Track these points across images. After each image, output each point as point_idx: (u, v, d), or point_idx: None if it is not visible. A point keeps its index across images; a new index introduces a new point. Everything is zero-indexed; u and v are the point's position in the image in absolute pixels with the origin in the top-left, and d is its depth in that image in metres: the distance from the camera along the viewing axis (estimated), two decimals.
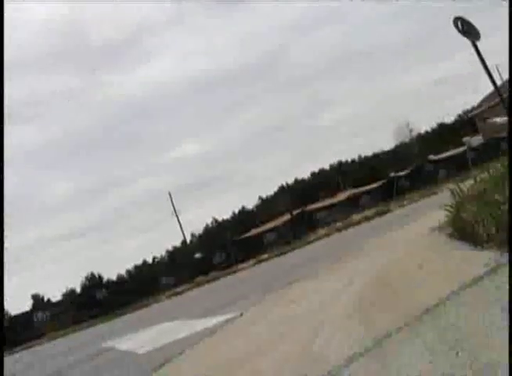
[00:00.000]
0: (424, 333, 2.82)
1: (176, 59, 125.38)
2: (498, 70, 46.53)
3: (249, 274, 20.64)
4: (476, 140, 46.87)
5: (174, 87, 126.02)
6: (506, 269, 3.16)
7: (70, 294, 65.20)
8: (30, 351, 23.95)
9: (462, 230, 4.56)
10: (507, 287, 2.80)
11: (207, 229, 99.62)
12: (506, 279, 2.98)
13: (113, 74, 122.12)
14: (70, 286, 74.52)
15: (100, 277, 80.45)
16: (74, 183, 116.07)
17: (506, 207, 3.84)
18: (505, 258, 3.38)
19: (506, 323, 2.41)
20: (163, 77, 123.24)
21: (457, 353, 2.39)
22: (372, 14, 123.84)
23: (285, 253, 27.11)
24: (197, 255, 48.62)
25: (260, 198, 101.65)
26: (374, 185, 47.62)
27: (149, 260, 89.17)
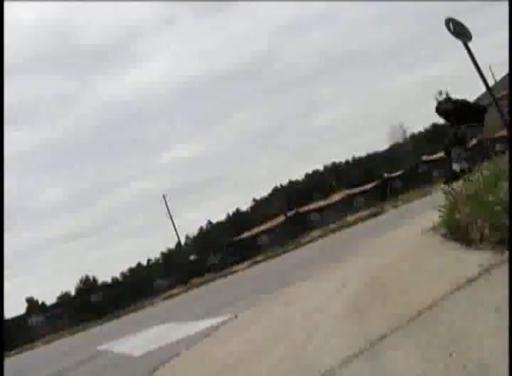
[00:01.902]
0: (418, 334, 2.83)
1: (168, 61, 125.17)
2: (490, 70, 46.68)
3: (243, 276, 20.65)
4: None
5: (166, 90, 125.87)
6: (500, 270, 3.18)
7: (64, 297, 65.11)
8: (24, 355, 23.89)
9: (455, 231, 4.57)
10: (502, 287, 2.81)
11: (201, 232, 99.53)
12: (500, 279, 2.99)
13: (104, 77, 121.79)
14: (65, 289, 74.40)
15: (95, 280, 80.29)
16: (68, 187, 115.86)
17: (499, 207, 3.85)
18: (499, 259, 3.40)
19: (499, 323, 2.42)
20: (155, 80, 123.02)
21: (451, 354, 2.40)
22: (366, 14, 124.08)
23: (280, 254, 27.12)
24: (192, 257, 48.63)
25: (254, 200, 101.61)
26: (368, 186, 47.71)
27: (144, 262, 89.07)
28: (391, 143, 77.03)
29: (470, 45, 10.33)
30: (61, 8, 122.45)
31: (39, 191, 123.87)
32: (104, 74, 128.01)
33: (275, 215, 58.30)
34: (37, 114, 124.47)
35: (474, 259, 3.65)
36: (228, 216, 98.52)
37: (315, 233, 31.00)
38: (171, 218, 58.55)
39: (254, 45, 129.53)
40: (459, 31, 10.32)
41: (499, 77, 48.07)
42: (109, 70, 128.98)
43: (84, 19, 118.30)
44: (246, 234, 58.93)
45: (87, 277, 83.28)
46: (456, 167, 15.16)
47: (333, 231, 27.33)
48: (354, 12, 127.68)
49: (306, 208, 56.60)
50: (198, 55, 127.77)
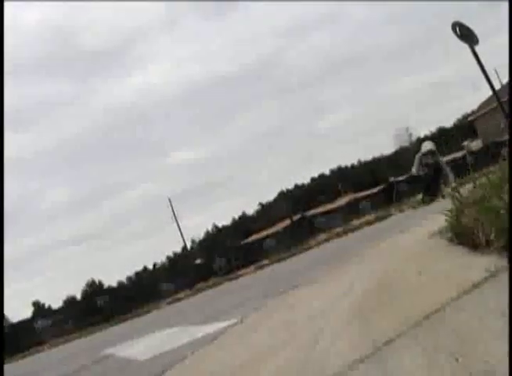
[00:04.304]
0: (424, 339, 2.83)
1: (171, 64, 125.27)
2: (496, 73, 46.57)
3: (249, 280, 20.62)
4: (475, 144, 46.96)
5: (170, 93, 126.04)
6: (506, 274, 3.18)
7: (70, 301, 65.22)
8: (29, 359, 23.89)
9: (462, 235, 4.57)
10: (508, 291, 2.81)
11: (207, 235, 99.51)
12: (506, 283, 2.99)
13: (107, 79, 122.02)
14: (71, 293, 74.53)
15: (101, 284, 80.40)
16: (74, 190, 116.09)
17: (505, 212, 3.85)
18: (504, 263, 3.40)
19: (505, 328, 2.42)
20: (158, 82, 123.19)
21: (457, 360, 2.40)
22: (370, 16, 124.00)
23: (285, 259, 27.08)
24: (198, 261, 48.62)
25: (260, 204, 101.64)
26: (374, 189, 47.65)
27: (150, 266, 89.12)
28: (397, 147, 76.94)
29: (477, 47, 10.34)
30: (63, 9, 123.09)
31: (45, 194, 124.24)
32: (107, 76, 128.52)
33: (281, 219, 58.24)
34: (42, 117, 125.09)
35: (480, 263, 3.65)
36: (235, 220, 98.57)
37: (321, 237, 30.93)
38: (177, 222, 58.60)
39: (258, 47, 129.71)
40: (466, 35, 10.32)
41: (505, 80, 48.00)
42: (113, 73, 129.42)
43: (87, 21, 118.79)
44: (252, 238, 58.88)
45: (93, 281, 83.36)
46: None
47: (339, 235, 27.29)
48: (359, 14, 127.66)
49: (312, 212, 56.51)
50: (201, 57, 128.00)
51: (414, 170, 19.77)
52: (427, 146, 19.72)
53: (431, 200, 18.61)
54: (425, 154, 19.28)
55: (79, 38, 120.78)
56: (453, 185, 19.53)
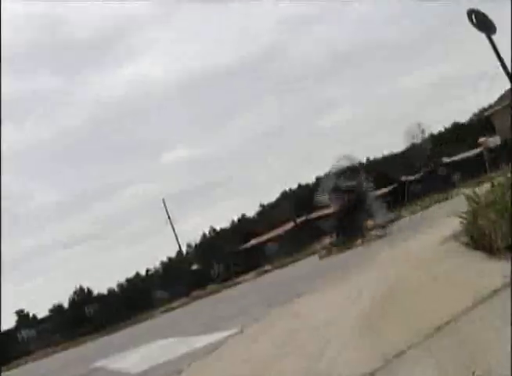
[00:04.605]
0: (438, 350, 2.82)
1: (167, 59, 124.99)
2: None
3: (249, 287, 20.57)
4: (493, 141, 46.87)
5: (165, 88, 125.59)
6: None
7: (57, 310, 65.08)
8: (14, 371, 23.87)
9: (478, 239, 4.57)
10: None
11: (204, 239, 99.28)
12: None
13: (100, 74, 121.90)
14: (58, 301, 74.37)
15: (90, 291, 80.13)
16: (60, 192, 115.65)
17: None
18: None
19: None
20: (153, 77, 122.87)
21: (473, 373, 2.37)
22: (371, 16, 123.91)
23: (288, 264, 27.03)
24: (194, 267, 48.61)
25: (261, 205, 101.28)
26: (384, 190, 47.59)
27: (143, 272, 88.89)
28: (408, 144, 76.63)
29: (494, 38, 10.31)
30: (53, 2, 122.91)
31: (30, 197, 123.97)
32: (100, 71, 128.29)
33: (284, 222, 58.13)
34: (30, 113, 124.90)
35: (497, 270, 3.65)
36: (234, 223, 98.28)
37: (327, 241, 30.88)
38: (172, 224, 58.37)
39: (258, 44, 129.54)
40: (482, 23, 10.27)
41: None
42: (105, 68, 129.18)
43: (79, 13, 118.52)
44: (252, 242, 58.81)
45: (81, 288, 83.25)
46: None
47: None
48: (359, 14, 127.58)
49: (317, 214, 56.36)
50: (199, 51, 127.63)
51: (321, 197, 14.55)
52: (346, 161, 14.33)
53: (346, 245, 14.32)
54: (342, 174, 14.03)
55: (71, 30, 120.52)
56: (383, 221, 15.59)
